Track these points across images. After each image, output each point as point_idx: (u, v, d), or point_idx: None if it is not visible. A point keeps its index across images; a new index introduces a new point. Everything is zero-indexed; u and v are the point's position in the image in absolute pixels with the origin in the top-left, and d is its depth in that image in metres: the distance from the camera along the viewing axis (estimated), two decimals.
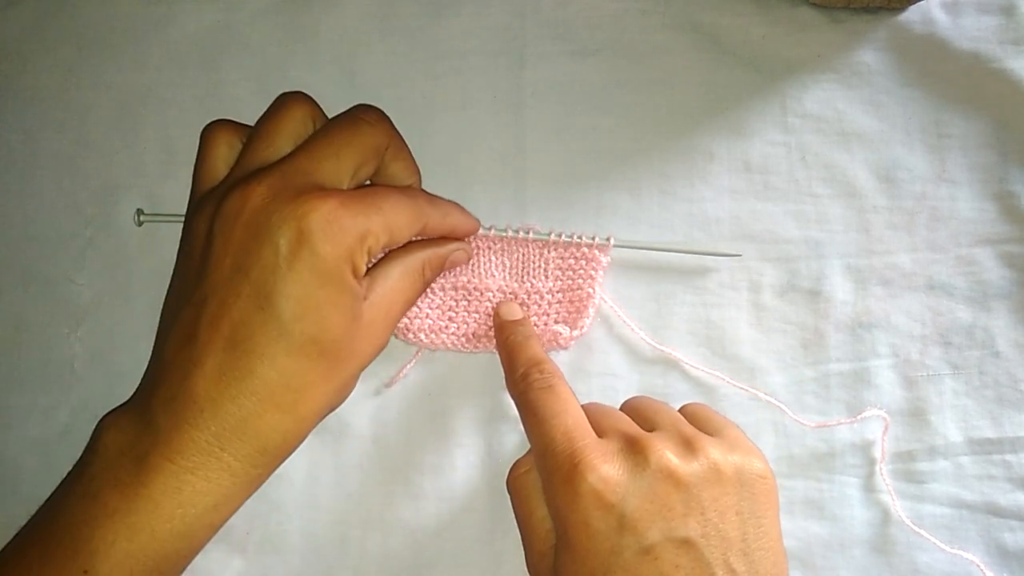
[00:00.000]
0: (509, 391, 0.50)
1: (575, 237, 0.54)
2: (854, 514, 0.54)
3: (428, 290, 0.55)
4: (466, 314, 0.55)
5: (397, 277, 0.48)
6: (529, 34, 0.61)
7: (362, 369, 0.48)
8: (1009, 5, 0.59)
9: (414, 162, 0.53)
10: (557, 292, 0.55)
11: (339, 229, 0.43)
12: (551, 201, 0.58)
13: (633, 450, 0.43)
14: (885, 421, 0.54)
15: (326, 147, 0.46)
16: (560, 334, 0.53)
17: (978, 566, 0.52)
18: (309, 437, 0.56)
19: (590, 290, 0.54)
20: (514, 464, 0.49)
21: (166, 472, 0.41)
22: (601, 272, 0.54)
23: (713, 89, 0.59)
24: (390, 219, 0.46)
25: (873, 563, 0.54)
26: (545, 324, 0.54)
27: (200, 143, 0.50)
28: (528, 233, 0.55)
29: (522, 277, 0.55)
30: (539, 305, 0.55)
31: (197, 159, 0.50)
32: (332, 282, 0.43)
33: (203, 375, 0.42)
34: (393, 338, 0.55)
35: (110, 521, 0.41)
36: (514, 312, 0.54)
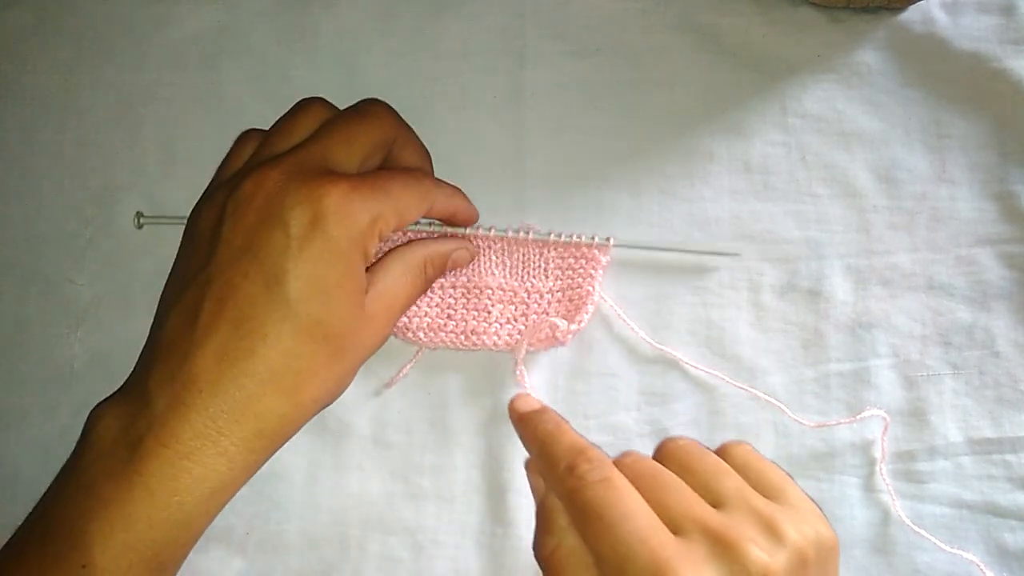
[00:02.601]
0: (553, 487, 0.41)
1: (575, 237, 0.55)
2: (854, 514, 0.54)
3: (428, 289, 0.55)
4: (464, 311, 0.55)
5: (399, 273, 0.49)
6: (529, 34, 0.61)
7: (361, 362, 0.48)
8: (1009, 5, 0.59)
9: (423, 148, 0.54)
10: (557, 291, 0.55)
11: (351, 212, 0.44)
12: (551, 201, 0.58)
13: (723, 551, 0.36)
14: (885, 421, 0.54)
15: (337, 135, 0.47)
16: (557, 327, 0.54)
17: (978, 566, 0.52)
18: (309, 437, 0.56)
19: (589, 288, 0.55)
20: (538, 536, 0.41)
21: (161, 459, 0.41)
22: (600, 271, 0.55)
23: (713, 89, 0.59)
24: (398, 201, 0.47)
25: (873, 563, 0.54)
26: (543, 319, 0.55)
27: (232, 146, 0.52)
28: (528, 233, 0.55)
29: (522, 276, 0.55)
30: (539, 304, 0.55)
31: (224, 158, 0.52)
32: (342, 265, 0.44)
33: (204, 355, 0.42)
34: (393, 337, 0.55)
35: (105, 512, 0.40)
36: (532, 403, 0.47)
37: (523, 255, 0.56)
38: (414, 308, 0.55)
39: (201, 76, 0.62)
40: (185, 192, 0.60)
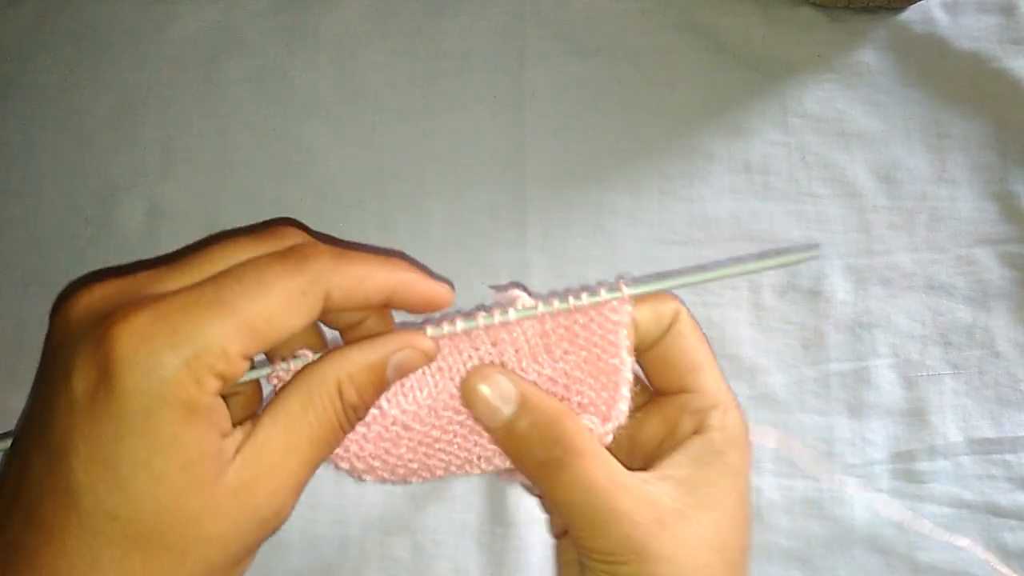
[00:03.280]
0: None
1: (573, 300, 0.38)
2: (854, 514, 0.54)
3: (400, 427, 0.39)
4: (461, 440, 0.40)
5: (296, 410, 0.34)
6: (529, 34, 0.61)
7: (240, 558, 0.34)
8: (1009, 5, 0.59)
9: (382, 267, 0.37)
10: (573, 371, 0.40)
11: (151, 352, 0.31)
12: (551, 201, 0.58)
13: None
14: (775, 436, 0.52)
15: (246, 277, 0.33)
16: (591, 431, 0.38)
17: (974, 551, 0.52)
18: None
19: (615, 361, 0.39)
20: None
21: None
22: (623, 332, 0.39)
23: (713, 89, 0.59)
24: (249, 311, 0.32)
25: (873, 563, 0.53)
26: None
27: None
28: (507, 312, 0.38)
29: (519, 365, 0.39)
30: (553, 393, 0.40)
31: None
32: (144, 434, 0.31)
33: None
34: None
35: None
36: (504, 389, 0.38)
37: (511, 336, 0.39)
38: (379, 455, 0.39)
39: (201, 76, 0.62)
40: (185, 191, 0.60)
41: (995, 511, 0.54)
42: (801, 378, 0.56)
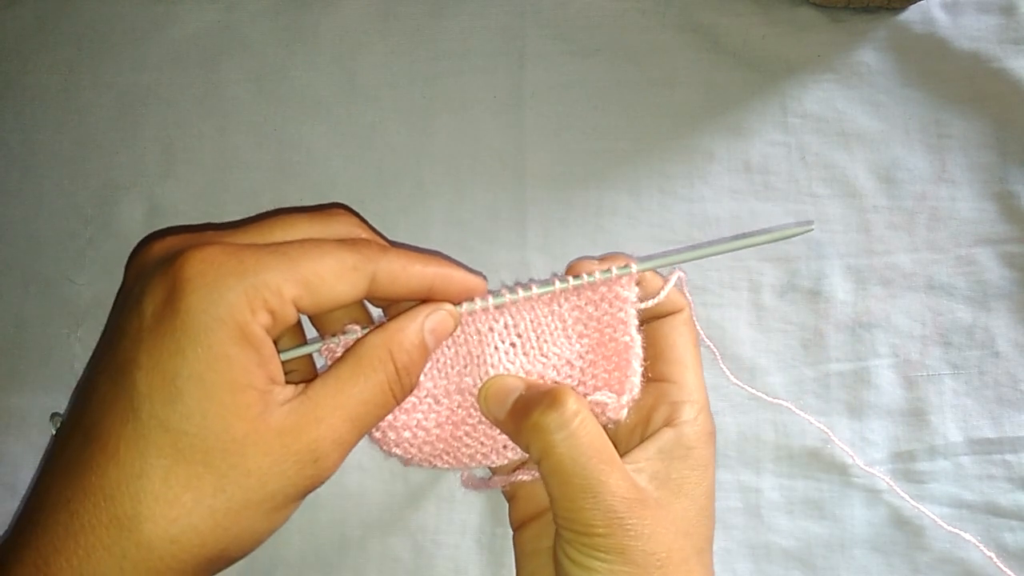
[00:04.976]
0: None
1: (587, 276, 0.42)
2: (854, 514, 0.54)
3: (432, 400, 0.43)
4: (486, 426, 0.43)
5: (346, 374, 0.37)
6: (529, 34, 0.61)
7: (277, 503, 0.35)
8: (1009, 5, 0.59)
9: (425, 262, 0.41)
10: (587, 353, 0.43)
11: (217, 279, 0.34)
12: (551, 201, 0.58)
13: None
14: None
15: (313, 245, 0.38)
16: (607, 404, 0.42)
17: (977, 545, 0.52)
18: None
19: (626, 339, 0.42)
20: None
21: None
22: (632, 310, 0.42)
23: (713, 89, 0.59)
24: (305, 266, 0.36)
25: (873, 563, 0.53)
26: (584, 397, 0.42)
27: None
28: (529, 290, 0.42)
29: (539, 351, 0.43)
30: (571, 376, 0.43)
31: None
32: (201, 351, 0.33)
33: (53, 470, 0.35)
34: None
35: None
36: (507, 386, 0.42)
37: (531, 322, 0.43)
38: (418, 432, 0.43)
39: (201, 76, 0.62)
40: (185, 191, 0.60)
41: (995, 511, 0.54)
42: (801, 378, 0.56)
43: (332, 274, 0.37)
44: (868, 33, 0.60)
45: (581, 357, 0.43)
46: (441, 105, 0.60)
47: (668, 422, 0.42)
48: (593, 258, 0.44)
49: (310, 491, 0.36)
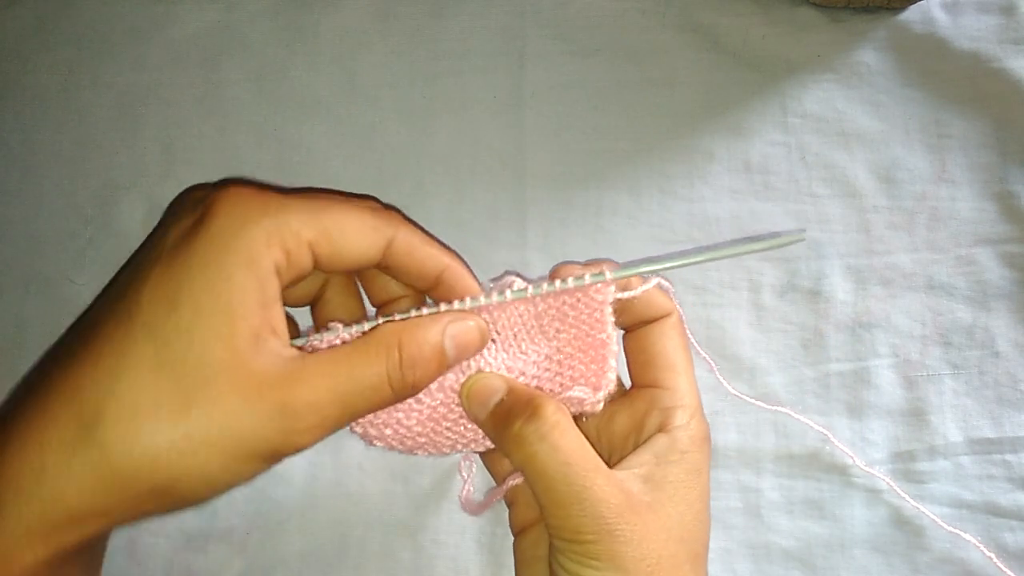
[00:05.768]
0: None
1: (559, 282, 0.42)
2: (854, 514, 0.54)
3: (413, 399, 0.42)
4: (466, 420, 0.44)
5: (344, 352, 0.36)
6: (529, 34, 0.61)
7: (238, 454, 0.34)
8: (1009, 5, 0.59)
9: (441, 250, 0.42)
10: (565, 348, 0.44)
11: (244, 211, 0.35)
12: (551, 201, 0.58)
13: None
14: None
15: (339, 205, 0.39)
16: (583, 399, 0.43)
17: (978, 546, 0.52)
18: None
19: (603, 336, 0.43)
20: None
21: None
22: (608, 311, 0.42)
23: (713, 89, 0.59)
24: (326, 215, 0.37)
25: (873, 563, 0.53)
26: (561, 393, 0.43)
27: None
28: (505, 293, 0.42)
29: (518, 348, 0.44)
30: (549, 370, 0.44)
31: None
32: (210, 267, 0.34)
33: (32, 370, 0.38)
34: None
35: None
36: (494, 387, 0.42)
37: (510, 319, 0.43)
38: (400, 427, 0.43)
39: (201, 76, 0.62)
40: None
41: (995, 511, 0.54)
42: (801, 378, 0.56)
43: (352, 227, 0.37)
44: (868, 33, 0.60)
45: (559, 351, 0.43)
46: (441, 105, 0.60)
47: (661, 428, 0.42)
48: (578, 263, 0.44)
49: (274, 457, 0.35)
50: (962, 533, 0.52)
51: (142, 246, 0.38)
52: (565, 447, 0.38)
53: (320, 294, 0.44)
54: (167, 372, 0.33)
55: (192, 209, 0.36)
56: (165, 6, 0.63)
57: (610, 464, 0.41)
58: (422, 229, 0.42)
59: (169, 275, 0.34)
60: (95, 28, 0.63)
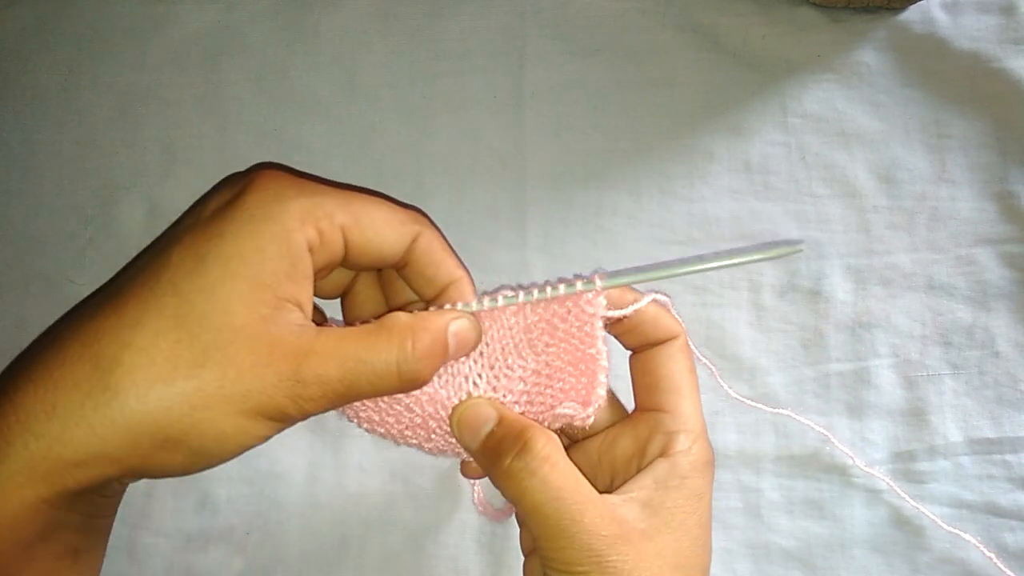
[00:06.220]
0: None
1: (550, 289, 0.41)
2: (854, 514, 0.54)
3: (402, 407, 0.42)
4: (441, 431, 0.43)
5: (359, 333, 0.37)
6: (529, 34, 0.61)
7: (239, 397, 0.34)
8: (1009, 5, 0.59)
9: (457, 263, 0.43)
10: (555, 361, 0.42)
11: (280, 189, 0.37)
12: (551, 201, 0.58)
13: None
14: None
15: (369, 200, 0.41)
16: (572, 416, 0.42)
17: (978, 546, 0.52)
18: (309, 437, 0.56)
19: (592, 351, 0.42)
20: None
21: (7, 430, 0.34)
22: (599, 324, 0.41)
23: (713, 89, 0.59)
24: (360, 210, 0.39)
25: (873, 563, 0.53)
26: (551, 408, 0.43)
27: None
28: (497, 299, 0.41)
29: (504, 363, 0.43)
30: (538, 385, 0.43)
31: None
32: (241, 236, 0.35)
33: (58, 321, 0.39)
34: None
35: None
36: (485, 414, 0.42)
37: (498, 332, 0.42)
38: (384, 423, 0.43)
39: (201, 76, 0.62)
40: (185, 191, 0.60)
41: (995, 511, 0.54)
42: (801, 378, 0.56)
43: (382, 219, 0.39)
44: (868, 33, 0.60)
45: (548, 366, 0.42)
46: (441, 105, 0.60)
47: (663, 452, 0.42)
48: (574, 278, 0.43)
49: (282, 418, 0.36)
50: (962, 533, 0.52)
51: (180, 218, 0.39)
52: (555, 481, 0.38)
53: (351, 286, 0.45)
54: (187, 328, 0.34)
55: (231, 185, 0.38)
56: (165, 6, 0.63)
57: (612, 488, 0.41)
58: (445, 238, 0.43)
59: (202, 240, 0.35)
60: (95, 28, 0.63)
